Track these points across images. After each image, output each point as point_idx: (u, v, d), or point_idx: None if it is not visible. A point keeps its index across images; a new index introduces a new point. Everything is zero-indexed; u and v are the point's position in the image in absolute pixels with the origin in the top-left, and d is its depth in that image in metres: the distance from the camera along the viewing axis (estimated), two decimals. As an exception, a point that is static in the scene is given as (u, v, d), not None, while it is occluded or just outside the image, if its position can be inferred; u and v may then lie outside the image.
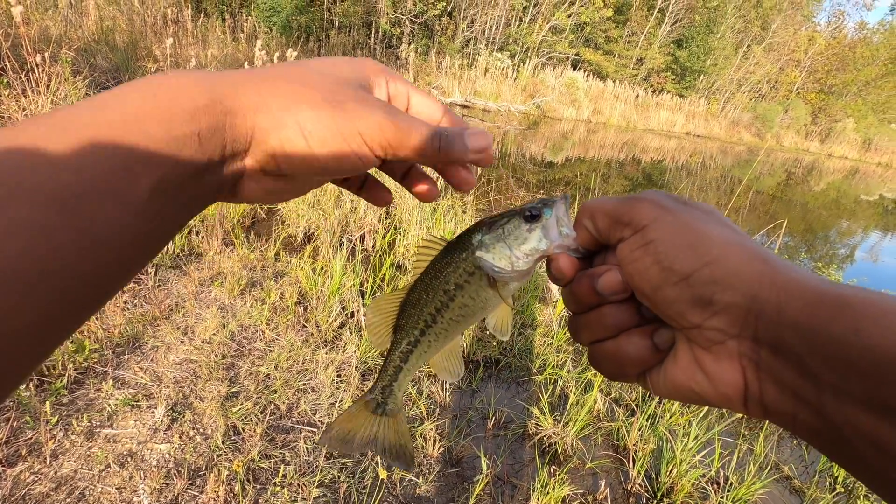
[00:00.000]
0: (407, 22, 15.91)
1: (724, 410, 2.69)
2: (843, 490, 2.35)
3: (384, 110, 0.34)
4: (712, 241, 0.32)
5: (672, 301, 0.32)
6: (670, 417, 2.41)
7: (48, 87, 3.84)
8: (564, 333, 3.02)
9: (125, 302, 2.51)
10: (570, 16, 19.79)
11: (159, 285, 2.75)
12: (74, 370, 2.02)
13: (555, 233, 0.39)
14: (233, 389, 2.14)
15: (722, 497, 2.08)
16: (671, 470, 2.10)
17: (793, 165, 19.24)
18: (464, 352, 2.74)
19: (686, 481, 2.05)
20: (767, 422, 2.05)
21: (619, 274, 0.35)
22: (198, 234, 3.33)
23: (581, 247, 0.39)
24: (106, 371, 2.07)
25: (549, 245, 0.39)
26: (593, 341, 0.38)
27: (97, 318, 2.29)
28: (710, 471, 2.19)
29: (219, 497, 1.65)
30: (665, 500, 2.05)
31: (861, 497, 2.29)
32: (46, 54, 3.81)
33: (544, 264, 0.42)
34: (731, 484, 2.15)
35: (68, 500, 1.56)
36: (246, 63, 4.89)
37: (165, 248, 3.05)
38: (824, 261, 6.43)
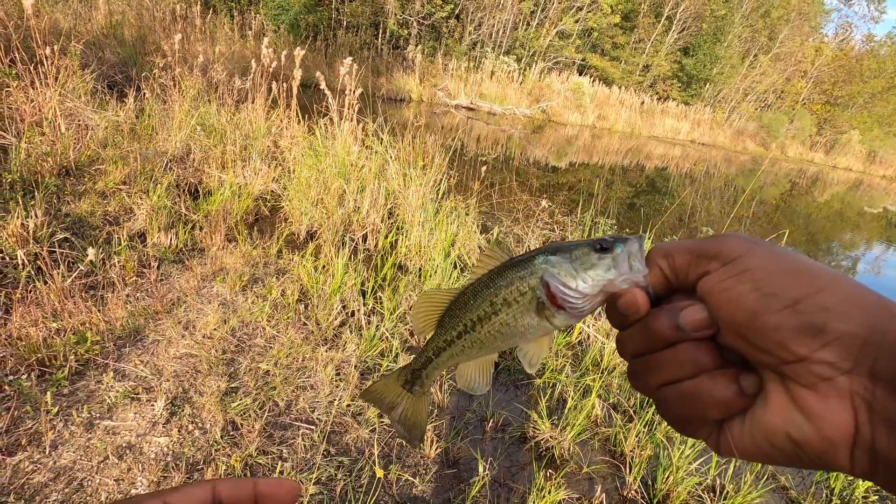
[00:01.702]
0: (414, 23, 15.96)
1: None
2: (839, 502, 2.35)
3: None
4: (817, 269, 0.29)
5: (774, 329, 0.28)
6: (667, 424, 2.40)
7: (56, 79, 3.86)
8: (564, 337, 3.02)
9: (127, 295, 2.52)
10: (577, 21, 19.82)
11: (162, 279, 2.76)
12: (76, 361, 2.03)
13: (625, 266, 0.37)
14: (232, 385, 2.14)
15: (718, 505, 2.08)
16: (668, 477, 2.10)
17: (797, 176, 19.22)
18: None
19: (682, 489, 2.05)
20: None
21: (704, 309, 0.32)
22: (201, 229, 3.34)
23: (652, 287, 0.37)
24: (107, 363, 2.08)
25: (618, 277, 0.37)
26: (664, 384, 0.34)
27: (99, 310, 2.30)
28: (707, 479, 2.19)
29: (216, 491, 1.65)
30: (661, 506, 2.05)
31: (857, 509, 2.29)
32: (56, 47, 3.84)
33: (605, 311, 0.39)
34: (728, 493, 2.15)
35: (67, 490, 1.57)
36: (253, 61, 4.90)
37: (169, 243, 3.07)
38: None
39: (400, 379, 0.53)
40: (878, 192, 19.68)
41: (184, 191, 3.81)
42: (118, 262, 2.66)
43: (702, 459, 2.23)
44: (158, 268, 2.82)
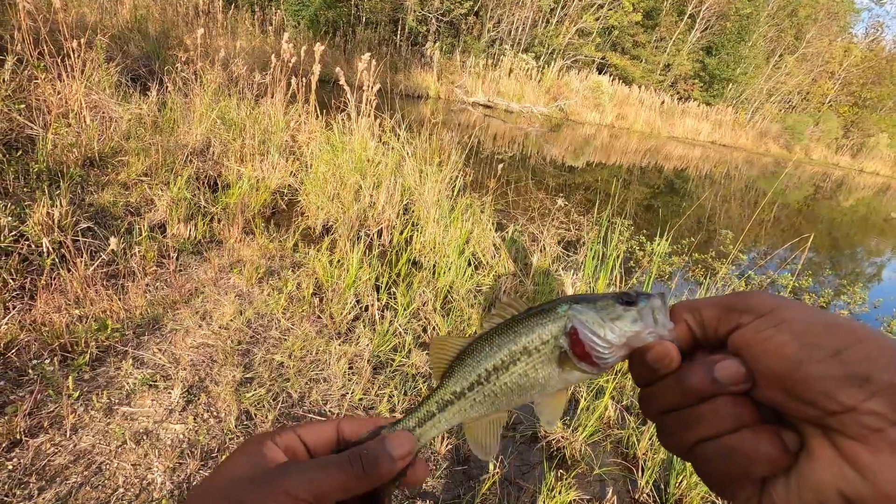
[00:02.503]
0: (433, 20, 15.94)
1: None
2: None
3: (278, 481, 0.34)
4: (852, 322, 0.29)
5: (819, 378, 0.28)
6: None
7: (82, 72, 3.95)
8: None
9: (147, 285, 2.57)
10: (598, 19, 19.60)
11: (180, 270, 2.81)
12: (97, 348, 2.08)
13: (650, 320, 0.37)
14: (247, 375, 2.17)
15: (732, 512, 2.04)
16: (681, 482, 2.08)
17: (821, 180, 18.77)
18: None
19: (696, 494, 2.02)
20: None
21: (740, 363, 0.32)
22: (219, 221, 3.38)
23: (678, 341, 0.36)
24: (126, 350, 2.12)
25: (644, 329, 0.36)
26: (701, 440, 0.32)
27: (120, 299, 2.35)
28: (721, 485, 2.15)
29: (229, 480, 1.68)
30: (673, 511, 2.02)
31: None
32: (82, 40, 3.92)
33: (630, 366, 0.39)
34: (742, 500, 2.11)
35: (86, 473, 1.61)
36: (272, 56, 4.95)
37: (188, 234, 3.12)
38: (850, 278, 6.25)
39: None
40: (906, 197, 19.11)
41: (203, 183, 3.87)
42: (139, 251, 2.71)
43: (716, 465, 2.19)
44: (177, 258, 2.87)
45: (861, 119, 28.81)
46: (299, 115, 5.12)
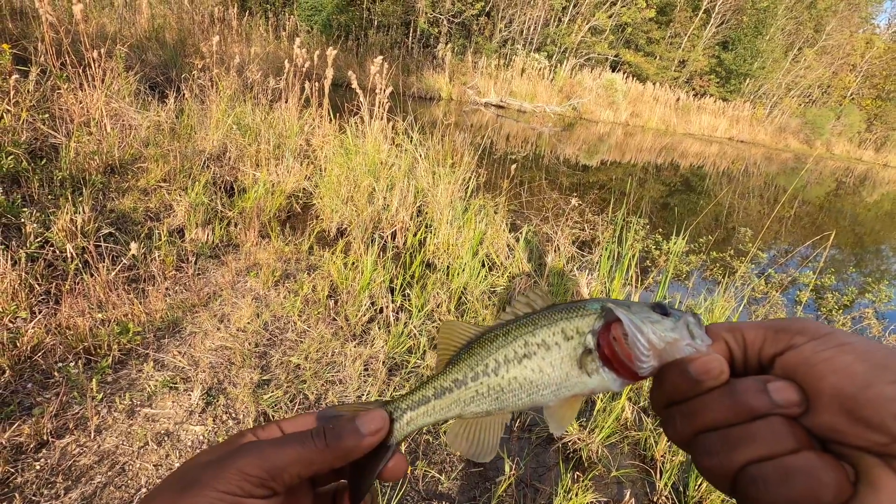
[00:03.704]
0: (445, 21, 15.97)
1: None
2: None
3: (231, 461, 0.34)
4: None
5: (890, 400, 0.26)
6: None
7: (103, 81, 4.04)
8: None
9: (167, 288, 2.62)
10: (610, 16, 19.43)
11: (199, 274, 2.86)
12: (119, 351, 2.13)
13: (685, 332, 0.34)
14: (264, 377, 2.20)
15: (753, 515, 2.01)
16: (700, 484, 2.05)
17: (843, 175, 18.33)
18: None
19: (716, 496, 1.99)
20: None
21: (795, 386, 0.30)
22: (236, 225, 3.44)
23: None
24: (147, 353, 2.16)
25: (682, 340, 0.34)
26: (756, 460, 0.29)
27: (141, 303, 2.40)
28: (742, 488, 2.11)
29: (248, 480, 1.70)
30: (692, 514, 1.99)
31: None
32: (102, 50, 4.02)
33: (662, 381, 0.36)
34: (764, 503, 2.07)
35: (109, 473, 1.64)
36: (286, 61, 5.01)
37: (205, 238, 3.17)
38: (874, 276, 6.10)
39: None
40: (933, 191, 18.55)
41: (220, 188, 3.93)
42: (158, 256, 2.76)
43: (737, 467, 2.15)
44: (196, 262, 2.92)
45: (885, 112, 28.05)
46: (313, 120, 5.18)
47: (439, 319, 2.88)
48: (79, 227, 2.69)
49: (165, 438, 1.81)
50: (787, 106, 25.56)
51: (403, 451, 1.94)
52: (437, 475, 1.93)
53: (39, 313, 2.15)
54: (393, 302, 2.90)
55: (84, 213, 2.76)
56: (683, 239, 3.92)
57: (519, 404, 0.38)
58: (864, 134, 26.29)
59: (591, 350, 0.36)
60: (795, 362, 0.30)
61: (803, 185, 13.08)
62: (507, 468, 1.96)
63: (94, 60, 3.91)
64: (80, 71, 3.82)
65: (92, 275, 2.37)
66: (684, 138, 18.16)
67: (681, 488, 2.11)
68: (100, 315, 2.24)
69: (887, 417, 0.26)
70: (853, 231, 9.25)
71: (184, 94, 4.76)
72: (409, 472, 1.89)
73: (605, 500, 1.98)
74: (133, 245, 2.45)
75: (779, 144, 22.14)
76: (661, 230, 5.53)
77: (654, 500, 2.06)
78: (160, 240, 2.91)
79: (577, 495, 1.87)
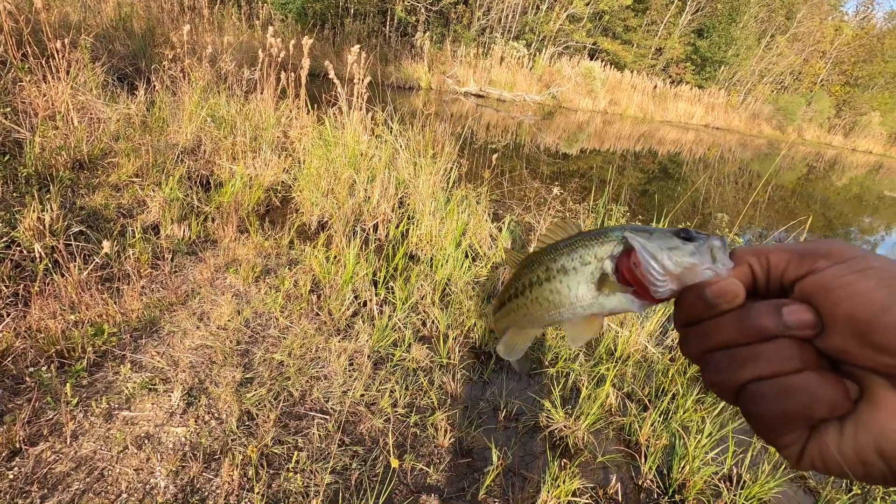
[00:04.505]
0: (422, 10, 15.77)
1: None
2: (859, 492, 2.32)
3: None
4: None
5: None
6: (683, 413, 2.38)
7: (68, 72, 3.88)
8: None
9: (143, 287, 2.55)
10: (588, 4, 19.44)
11: (176, 271, 2.79)
12: (94, 353, 2.06)
13: (707, 257, 0.36)
14: (247, 375, 2.16)
15: (735, 495, 2.06)
16: (683, 466, 2.09)
17: (814, 159, 18.81)
18: (475, 343, 2.74)
19: (699, 478, 2.04)
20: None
21: (810, 309, 0.31)
22: (213, 221, 3.35)
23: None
24: (124, 355, 2.10)
25: (701, 264, 0.36)
26: (758, 378, 0.32)
27: (116, 302, 2.33)
28: (724, 468, 2.17)
29: (233, 481, 1.68)
30: (677, 496, 2.03)
31: (878, 499, 2.26)
32: (66, 40, 3.85)
33: (682, 304, 0.37)
34: (745, 482, 2.13)
35: (88, 479, 1.60)
36: (260, 51, 4.88)
37: (182, 234, 3.09)
38: (845, 258, 6.27)
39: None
40: (898, 175, 19.18)
41: (195, 182, 3.83)
42: (133, 254, 2.68)
43: (718, 449, 2.21)
44: (172, 259, 2.84)
45: (853, 98, 28.83)
46: (290, 111, 5.07)
47: (424, 311, 2.86)
48: (47, 225, 2.59)
49: (146, 441, 1.77)
50: (760, 93, 26.06)
51: (391, 445, 1.93)
52: (425, 468, 1.93)
53: (8, 316, 2.07)
54: (377, 295, 2.88)
55: (52, 210, 2.66)
56: (663, 225, 3.97)
57: (545, 320, 0.43)
58: (833, 120, 26.98)
59: (608, 274, 0.38)
60: (815, 286, 0.31)
61: (777, 170, 13.38)
62: (494, 457, 1.97)
63: (57, 51, 3.74)
64: (43, 62, 3.66)
65: (63, 275, 2.28)
66: (661, 126, 18.38)
67: (665, 471, 2.16)
68: (72, 316, 2.16)
69: None
70: (824, 215, 9.52)
71: (154, 86, 4.60)
72: (396, 465, 1.88)
73: (592, 485, 2.01)
74: (105, 243, 2.36)
75: (753, 131, 22.58)
76: (641, 217, 5.60)
77: (640, 483, 2.09)
78: (134, 237, 2.82)
79: (564, 482, 1.89)
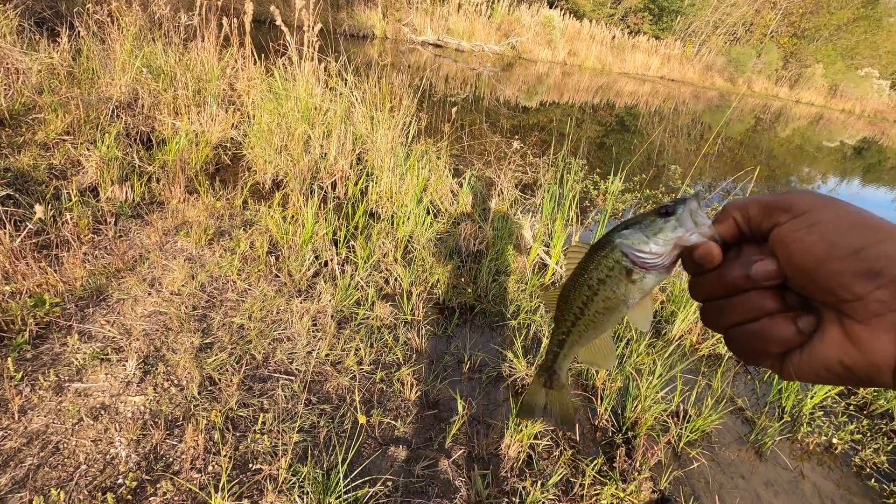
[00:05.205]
0: (374, -50, 14.78)
1: (687, 350, 2.84)
2: (789, 419, 2.55)
3: None
4: (880, 224, 0.34)
5: (838, 273, 0.33)
6: (637, 357, 2.52)
7: (-26, 16, 3.45)
8: (538, 279, 3.07)
9: (85, 253, 2.40)
10: (547, -52, 18.75)
11: (120, 236, 2.63)
12: (36, 325, 1.95)
13: (689, 223, 0.42)
14: (206, 341, 2.11)
15: (681, 429, 2.23)
16: (636, 406, 2.23)
17: (761, 111, 19.46)
18: (439, 299, 2.77)
19: (649, 416, 2.18)
20: (726, 357, 2.14)
21: (774, 262, 0.37)
22: (158, 181, 3.16)
23: (721, 237, 0.41)
24: (70, 325, 2.00)
25: (685, 233, 0.42)
26: (733, 325, 0.40)
27: (55, 271, 2.19)
28: (672, 405, 2.33)
29: (199, 445, 1.66)
30: (629, 433, 2.18)
31: (805, 423, 2.50)
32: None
33: (682, 262, 0.45)
34: (690, 416, 2.30)
35: (42, 454, 1.54)
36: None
37: (124, 196, 2.90)
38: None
39: (540, 381, 0.61)
40: (836, 126, 20.19)
41: (135, 140, 3.57)
42: (70, 218, 2.51)
43: (667, 388, 2.36)
44: (116, 223, 2.68)
45: (799, 50, 29.65)
46: (235, 61, 4.74)
47: (386, 269, 2.85)
48: (-33, 189, 2.37)
49: (102, 412, 1.71)
50: (713, 44, 26.36)
51: (358, 402, 1.96)
52: (392, 422, 1.97)
53: (-68, 290, 1.91)
54: (338, 254, 2.83)
55: (-28, 173, 2.42)
56: (620, 178, 4.05)
57: (611, 322, 0.50)
58: (780, 72, 27.79)
59: (631, 269, 0.45)
60: (776, 240, 0.37)
61: (727, 122, 13.78)
62: (459, 408, 2.04)
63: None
64: (-58, 3, 3.23)
65: (-8, 243, 2.11)
66: (619, 77, 18.42)
67: (619, 411, 2.30)
68: (7, 287, 2.02)
69: (835, 287, 0.34)
70: (768, 165, 9.96)
71: (79, 32, 4.17)
72: (364, 421, 1.92)
73: (552, 429, 2.12)
74: (38, 207, 2.19)
75: (705, 83, 23.00)
76: (598, 170, 5.68)
77: (596, 423, 2.23)
78: (70, 200, 2.63)
79: (526, 427, 1.98)
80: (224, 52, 4.71)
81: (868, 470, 2.37)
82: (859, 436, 2.52)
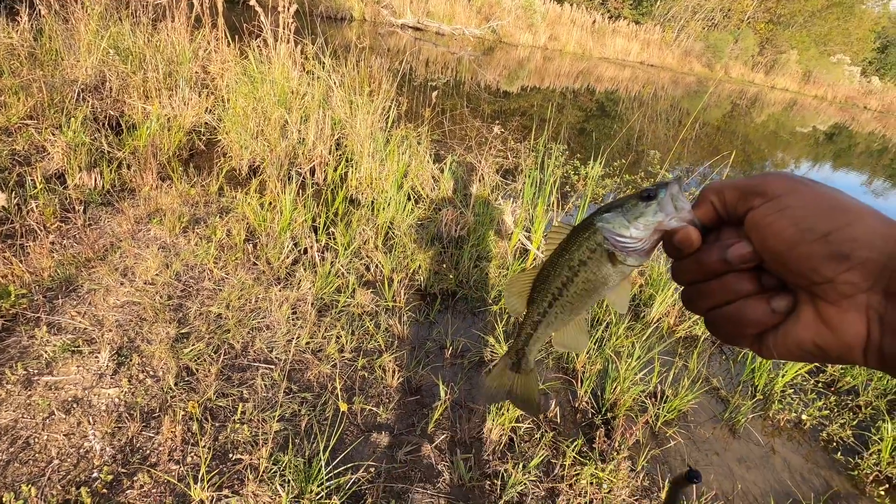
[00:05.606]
0: (351, -71, 14.37)
1: (665, 332, 2.89)
2: (761, 397, 2.63)
3: None
4: (849, 206, 0.34)
5: (807, 257, 0.34)
6: (616, 340, 2.56)
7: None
8: (520, 264, 3.08)
9: (52, 243, 2.32)
10: (527, -71, 18.50)
11: (90, 224, 2.55)
12: (1, 317, 1.88)
13: (670, 208, 0.42)
14: (182, 331, 2.07)
15: (658, 409, 2.28)
16: (615, 388, 2.27)
17: (738, 97, 19.74)
18: (420, 285, 2.76)
19: (628, 397, 2.22)
20: (702, 339, 2.19)
21: (748, 245, 0.38)
22: (129, 167, 3.06)
23: (700, 221, 0.41)
24: (38, 317, 1.93)
25: (665, 218, 0.42)
26: (712, 308, 0.41)
27: (21, 261, 2.11)
28: (650, 386, 2.38)
29: (176, 437, 1.64)
30: (609, 414, 2.22)
31: (776, 401, 2.58)
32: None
33: (662, 246, 0.45)
34: (667, 397, 2.35)
35: (11, 449, 1.50)
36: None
37: (93, 183, 2.80)
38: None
39: (507, 363, 0.60)
40: (809, 111, 20.62)
41: (103, 125, 3.44)
42: (36, 207, 2.41)
43: (646, 370, 2.41)
44: (85, 211, 2.59)
45: (775, 35, 30.05)
46: (208, 43, 4.58)
47: (367, 256, 2.82)
48: (-77, 176, 2.25)
49: (74, 406, 1.67)
50: (692, 29, 26.53)
51: (339, 389, 1.95)
52: (374, 409, 1.97)
53: None
54: (317, 241, 2.79)
55: (-73, 159, 2.31)
56: (600, 163, 4.07)
57: (588, 305, 0.50)
58: (756, 58, 28.15)
59: (612, 251, 0.46)
60: (751, 223, 0.37)
61: (704, 108, 13.95)
62: (442, 393, 2.04)
63: None
64: None
65: (-49, 233, 2.02)
66: (600, 62, 18.44)
67: (599, 393, 2.34)
68: (-30, 279, 1.94)
69: (806, 270, 0.34)
70: (744, 150, 10.13)
71: (40, 11, 3.97)
72: (345, 408, 1.91)
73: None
74: (1, 195, 2.10)
75: (684, 68, 23.19)
76: (579, 155, 5.70)
77: (576, 405, 2.26)
78: (35, 188, 2.53)
79: (508, 411, 2.00)
80: (196, 34, 4.55)
81: (835, 444, 2.47)
82: (827, 412, 2.62)
